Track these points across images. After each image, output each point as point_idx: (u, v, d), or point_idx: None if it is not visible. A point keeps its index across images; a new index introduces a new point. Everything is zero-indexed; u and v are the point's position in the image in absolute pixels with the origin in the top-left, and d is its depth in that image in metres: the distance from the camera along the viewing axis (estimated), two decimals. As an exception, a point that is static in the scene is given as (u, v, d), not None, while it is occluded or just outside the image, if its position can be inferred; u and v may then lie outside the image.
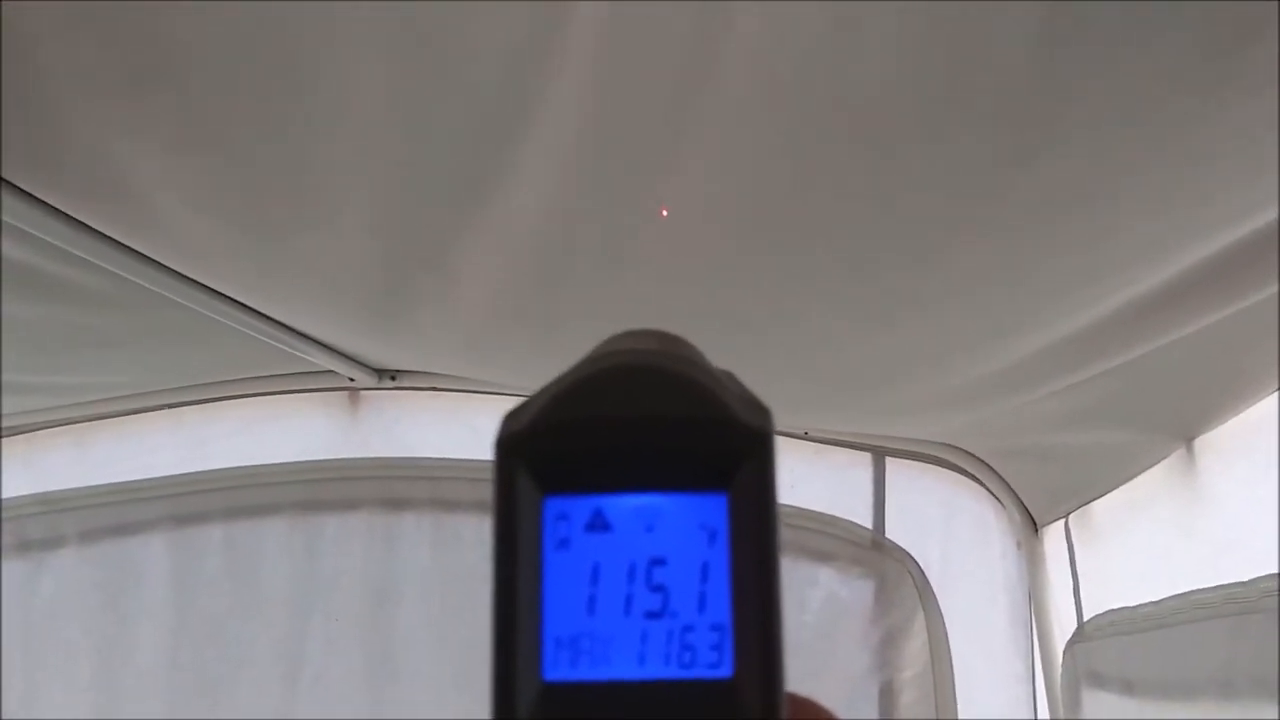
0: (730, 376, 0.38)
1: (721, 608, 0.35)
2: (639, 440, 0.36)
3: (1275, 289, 1.10)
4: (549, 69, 0.88)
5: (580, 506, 0.36)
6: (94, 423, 2.13)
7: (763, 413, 0.37)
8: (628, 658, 0.35)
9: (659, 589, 0.36)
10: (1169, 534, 1.61)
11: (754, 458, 0.36)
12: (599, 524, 0.36)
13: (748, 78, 0.88)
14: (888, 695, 2.07)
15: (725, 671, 0.35)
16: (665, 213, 1.07)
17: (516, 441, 0.36)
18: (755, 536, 0.35)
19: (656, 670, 0.35)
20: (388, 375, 2.10)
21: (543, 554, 0.36)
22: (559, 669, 0.35)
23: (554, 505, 0.36)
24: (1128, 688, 1.66)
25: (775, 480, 0.36)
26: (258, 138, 1.04)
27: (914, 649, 2.09)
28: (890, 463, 2.14)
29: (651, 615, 0.36)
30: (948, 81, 0.86)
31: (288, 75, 0.93)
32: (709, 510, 0.36)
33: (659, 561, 0.36)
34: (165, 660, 2.09)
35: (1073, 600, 1.93)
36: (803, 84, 0.88)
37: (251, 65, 0.91)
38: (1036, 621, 2.07)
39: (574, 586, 0.36)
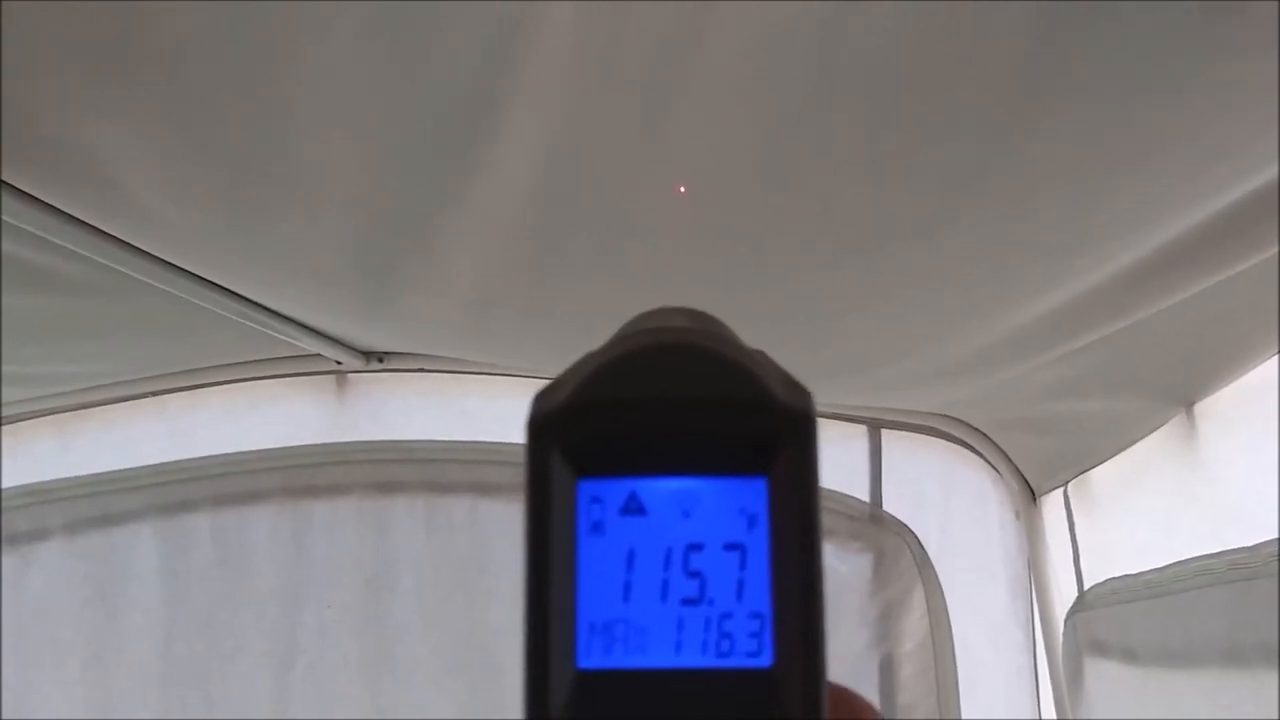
0: (763, 355, 0.37)
1: (761, 595, 0.34)
2: (676, 422, 0.35)
3: (1274, 251, 1.09)
4: (530, 40, 0.86)
5: (615, 490, 0.35)
6: (77, 412, 2.11)
7: (803, 393, 0.35)
8: (664, 646, 0.34)
9: (696, 575, 0.35)
10: (1169, 500, 1.61)
11: (795, 440, 0.35)
12: (634, 508, 0.35)
13: (741, 47, 0.86)
14: (888, 669, 2.07)
15: (764, 661, 0.34)
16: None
17: (549, 422, 0.35)
18: (796, 522, 0.34)
19: (693, 659, 0.34)
20: (375, 357, 2.08)
21: (576, 538, 0.35)
22: (593, 657, 0.34)
23: (588, 488, 0.35)
24: (1130, 656, 1.66)
25: (817, 463, 0.35)
26: (236, 121, 1.02)
27: (913, 622, 2.09)
28: (886, 435, 2.13)
29: (688, 602, 0.35)
30: (944, 51, 0.85)
31: (265, 57, 0.91)
32: (748, 494, 0.35)
33: (696, 547, 0.35)
34: (157, 651, 2.08)
35: (1073, 569, 1.93)
36: (797, 55, 0.87)
37: (228, 47, 0.90)
38: (1036, 591, 2.07)
39: (609, 572, 0.35)
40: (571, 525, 0.35)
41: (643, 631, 0.34)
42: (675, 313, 0.39)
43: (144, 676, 2.08)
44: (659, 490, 0.35)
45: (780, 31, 0.84)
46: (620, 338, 0.37)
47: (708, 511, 0.35)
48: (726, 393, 0.35)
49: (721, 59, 0.87)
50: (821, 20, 0.82)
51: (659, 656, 0.34)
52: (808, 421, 0.35)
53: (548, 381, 0.36)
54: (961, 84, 0.88)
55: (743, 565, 0.34)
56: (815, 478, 0.35)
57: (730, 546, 0.35)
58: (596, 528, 0.35)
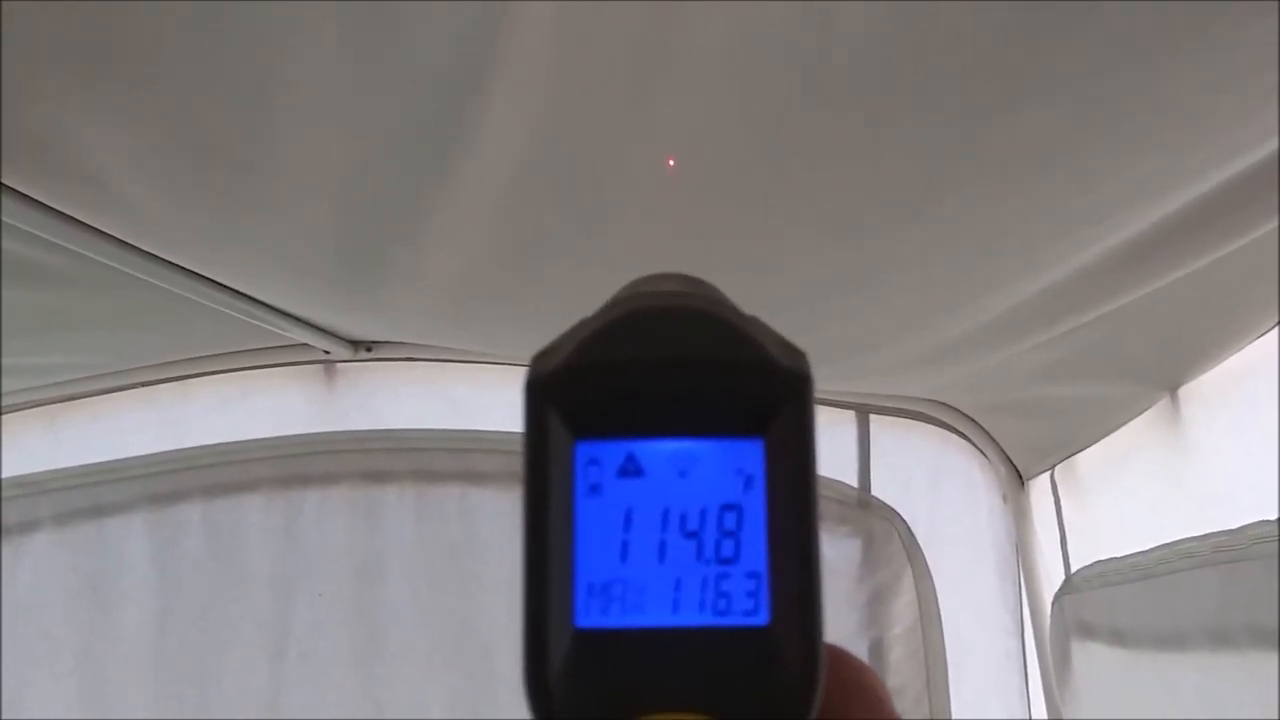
0: (758, 320, 0.37)
1: (758, 555, 0.35)
2: (674, 383, 0.35)
3: (1258, 234, 1.09)
4: (511, 28, 0.86)
5: (612, 451, 0.35)
6: (65, 403, 2.10)
7: (799, 355, 0.36)
8: (661, 605, 0.35)
9: (693, 535, 0.35)
10: (1155, 484, 1.61)
11: (792, 401, 0.35)
12: (632, 469, 0.35)
13: (723, 32, 0.86)
14: (877, 652, 2.07)
15: (761, 619, 0.34)
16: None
17: (548, 384, 0.35)
18: (793, 482, 0.35)
19: (691, 617, 0.35)
20: (364, 346, 2.08)
21: (574, 500, 0.35)
22: (591, 616, 0.35)
23: (585, 450, 0.35)
24: (1118, 638, 1.67)
25: (814, 424, 0.35)
26: (219, 115, 1.02)
27: (902, 606, 2.10)
28: (875, 420, 2.13)
29: (686, 562, 0.35)
30: (927, 29, 0.84)
31: (246, 50, 0.91)
32: (745, 455, 0.35)
33: (693, 507, 0.35)
34: (149, 642, 2.08)
35: (1060, 552, 1.93)
36: (776, 40, 0.86)
37: (210, 42, 0.89)
38: (1024, 574, 2.08)
39: (606, 533, 0.35)
40: (569, 487, 0.35)
41: (640, 591, 0.35)
42: (670, 278, 0.39)
43: (137, 668, 2.07)
44: (656, 452, 0.35)
45: (761, 16, 0.84)
46: (616, 301, 0.37)
47: (705, 472, 0.35)
48: (723, 355, 0.35)
49: (703, 45, 0.87)
50: (801, 6, 0.82)
51: (656, 615, 0.35)
52: (804, 382, 0.35)
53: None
54: (945, 62, 0.88)
55: (739, 525, 0.35)
56: (812, 438, 0.35)
57: (727, 507, 0.35)
58: (594, 489, 0.35)
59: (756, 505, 0.35)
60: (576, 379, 0.35)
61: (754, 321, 0.37)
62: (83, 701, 2.06)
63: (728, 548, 0.35)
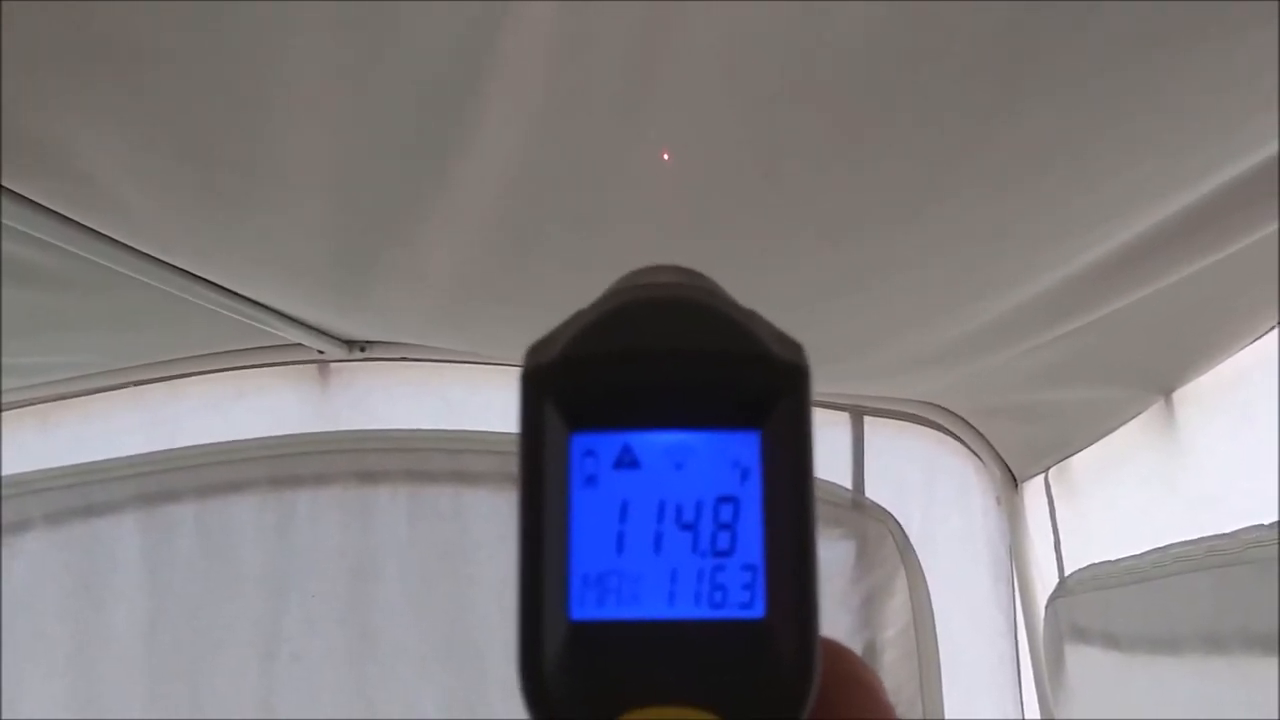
0: (755, 313, 0.37)
1: (754, 547, 0.34)
2: (670, 375, 0.35)
3: (1256, 237, 1.09)
4: (509, 29, 0.86)
5: (608, 443, 0.35)
6: (58, 403, 2.10)
7: (796, 348, 0.36)
8: (657, 597, 0.35)
9: (689, 527, 0.35)
10: (1149, 488, 1.62)
11: (789, 394, 0.35)
12: (628, 461, 0.35)
13: (719, 33, 0.86)
14: (870, 654, 2.07)
15: (757, 612, 0.34)
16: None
17: (543, 375, 0.35)
18: (789, 475, 0.35)
19: (686, 610, 0.34)
20: (357, 346, 2.08)
21: (570, 491, 0.35)
22: (586, 608, 0.34)
23: (581, 441, 0.35)
24: (1112, 641, 1.67)
25: (811, 417, 0.35)
26: (213, 115, 1.01)
27: (896, 607, 2.10)
28: (869, 422, 2.13)
29: (681, 554, 0.35)
30: (924, 31, 0.84)
31: (240, 51, 0.91)
32: (741, 447, 0.35)
33: (689, 499, 0.35)
34: (142, 642, 2.07)
35: (1054, 555, 1.94)
36: (775, 40, 0.86)
37: (203, 42, 0.89)
38: (1018, 577, 2.08)
39: (602, 525, 0.35)
40: (565, 478, 0.35)
41: (636, 583, 0.34)
42: (667, 269, 0.39)
43: (129, 667, 2.07)
44: (652, 443, 0.35)
45: (761, 17, 0.83)
46: (613, 293, 0.37)
47: (701, 464, 0.35)
48: (720, 346, 0.35)
49: (702, 45, 0.87)
50: (799, 6, 0.82)
51: (652, 608, 0.34)
52: (801, 375, 0.35)
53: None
54: (945, 63, 0.87)
55: (736, 517, 0.35)
56: (808, 431, 0.35)
57: (723, 499, 0.35)
58: (590, 481, 0.35)
59: (753, 498, 0.35)
60: (572, 370, 0.35)
61: (751, 314, 0.36)
62: (75, 700, 2.05)
63: (724, 540, 0.35)
